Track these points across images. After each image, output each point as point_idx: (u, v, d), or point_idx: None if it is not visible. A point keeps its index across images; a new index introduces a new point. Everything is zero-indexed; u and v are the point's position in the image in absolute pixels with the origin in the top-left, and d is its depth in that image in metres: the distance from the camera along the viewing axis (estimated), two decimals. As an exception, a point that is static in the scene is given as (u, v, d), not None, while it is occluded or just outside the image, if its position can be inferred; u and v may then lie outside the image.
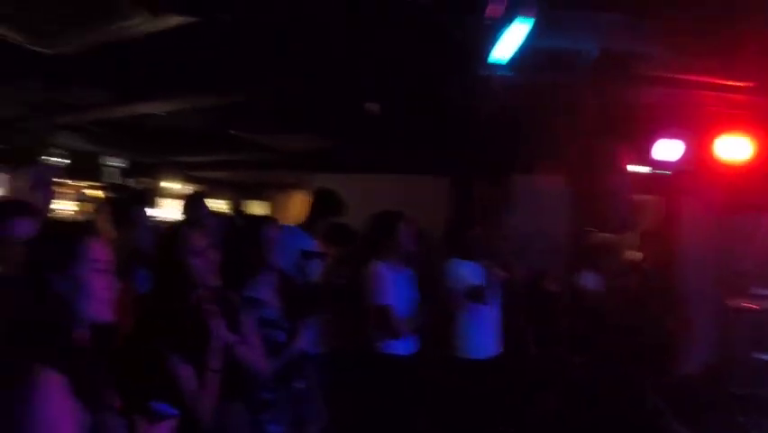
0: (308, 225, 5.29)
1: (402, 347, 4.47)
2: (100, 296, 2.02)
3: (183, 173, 13.81)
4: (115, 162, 12.41)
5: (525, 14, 3.58)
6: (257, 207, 15.26)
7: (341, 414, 3.96)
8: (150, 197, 12.79)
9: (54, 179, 4.37)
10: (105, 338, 2.16)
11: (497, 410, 5.24)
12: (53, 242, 2.06)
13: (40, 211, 4.11)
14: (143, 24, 4.37)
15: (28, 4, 4.38)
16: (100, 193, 12.41)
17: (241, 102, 7.11)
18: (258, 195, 15.40)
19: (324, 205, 5.35)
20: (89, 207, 11.81)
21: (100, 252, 2.06)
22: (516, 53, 4.07)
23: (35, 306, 1.97)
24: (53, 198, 4.46)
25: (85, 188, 12.44)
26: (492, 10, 3.69)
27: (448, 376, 5.08)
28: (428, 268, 5.52)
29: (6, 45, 4.98)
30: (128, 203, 3.85)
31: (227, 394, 2.80)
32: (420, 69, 5.22)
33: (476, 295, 4.83)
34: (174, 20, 4.30)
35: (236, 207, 15.34)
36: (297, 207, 13.85)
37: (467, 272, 4.99)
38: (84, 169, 11.62)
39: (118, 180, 12.54)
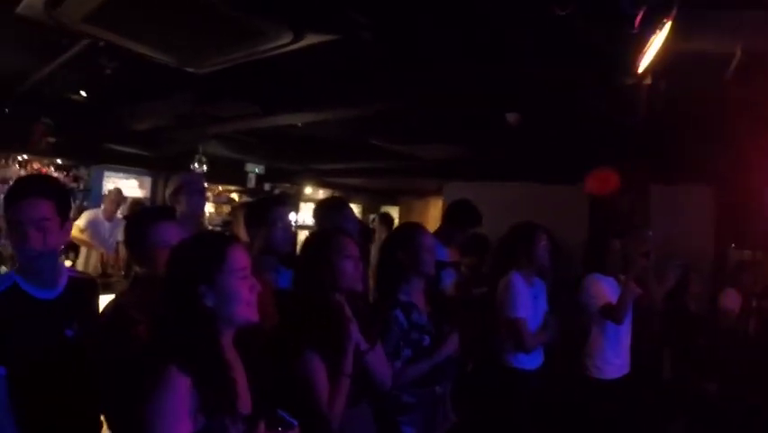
0: (444, 235, 5.25)
1: (530, 361, 4.38)
2: (247, 300, 2.09)
3: (319, 179, 14.13)
4: (254, 169, 12.81)
5: (665, 17, 3.44)
6: (391, 213, 15.42)
7: (462, 422, 3.91)
8: (289, 200, 13.16)
9: (204, 186, 4.54)
10: (251, 338, 2.23)
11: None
12: (200, 255, 2.11)
13: (194, 216, 4.35)
14: (288, 46, 4.47)
15: (174, 33, 4.57)
16: (238, 197, 12.94)
17: (380, 114, 7.13)
18: (392, 201, 15.55)
19: (462, 215, 5.31)
20: (228, 209, 12.40)
21: (243, 259, 2.13)
22: (658, 59, 3.92)
23: (182, 317, 2.04)
24: (205, 204, 4.64)
25: (225, 192, 12.96)
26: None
27: (575, 394, 4.94)
28: (563, 281, 5.43)
29: (159, 64, 5.23)
30: (268, 203, 3.93)
31: (353, 400, 2.78)
32: (562, 79, 5.11)
33: (612, 313, 4.68)
34: (317, 38, 4.38)
35: (371, 213, 15.58)
36: (431, 214, 13.94)
37: (604, 288, 4.83)
38: (224, 174, 12.08)
39: (256, 185, 12.98)
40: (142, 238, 2.80)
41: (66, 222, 2.49)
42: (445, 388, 3.56)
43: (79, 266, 7.63)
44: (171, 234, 2.74)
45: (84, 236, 8.08)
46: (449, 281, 5.00)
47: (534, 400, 4.43)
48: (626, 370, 4.89)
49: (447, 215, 5.41)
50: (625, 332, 4.85)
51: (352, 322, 2.76)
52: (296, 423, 2.10)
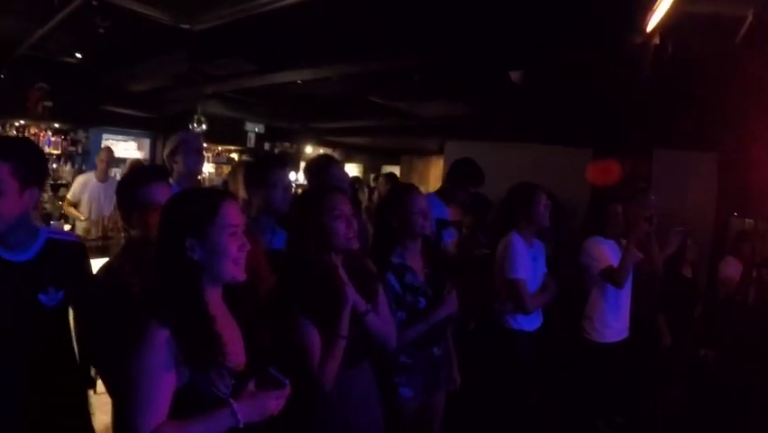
0: (446, 194, 5.22)
1: (529, 323, 4.34)
2: (234, 257, 2.06)
3: (320, 138, 14.08)
4: (254, 128, 12.75)
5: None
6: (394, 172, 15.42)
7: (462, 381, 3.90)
8: (290, 161, 13.11)
9: (201, 145, 4.48)
10: (245, 297, 2.21)
11: (615, 399, 5.03)
12: (191, 207, 2.08)
13: (191, 175, 4.28)
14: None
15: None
16: (238, 157, 12.91)
17: (380, 70, 7.04)
18: (394, 160, 15.51)
19: (464, 174, 5.23)
20: (228, 169, 12.38)
21: (235, 216, 2.10)
22: (667, 19, 3.82)
23: (171, 270, 2.03)
24: (203, 163, 4.58)
25: (224, 152, 12.93)
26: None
27: (573, 357, 4.92)
28: (563, 243, 5.35)
29: (153, 22, 5.14)
30: (269, 163, 3.85)
31: (352, 361, 2.75)
32: (567, 36, 5.00)
33: (612, 276, 4.64)
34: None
35: (372, 173, 15.54)
36: (433, 173, 13.90)
37: (605, 251, 4.78)
38: (224, 134, 12.03)
39: (256, 145, 12.93)
40: (134, 199, 2.74)
41: (28, 188, 2.38)
42: (445, 349, 3.55)
43: (79, 229, 7.54)
44: (163, 194, 2.67)
45: (71, 209, 7.92)
46: (450, 240, 4.98)
47: (533, 362, 4.40)
48: (624, 334, 4.85)
49: (449, 173, 5.34)
50: (625, 296, 4.81)
51: (346, 284, 2.70)
52: (287, 382, 2.06)
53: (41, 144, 9.54)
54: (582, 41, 4.99)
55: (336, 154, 14.53)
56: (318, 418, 2.69)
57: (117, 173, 8.94)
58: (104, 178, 7.98)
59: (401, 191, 3.70)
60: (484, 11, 4.78)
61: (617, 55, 5.02)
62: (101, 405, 2.92)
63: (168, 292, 1.99)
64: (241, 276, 2.09)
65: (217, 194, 2.21)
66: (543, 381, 4.75)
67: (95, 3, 4.87)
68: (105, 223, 7.54)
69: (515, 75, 6.43)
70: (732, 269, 5.97)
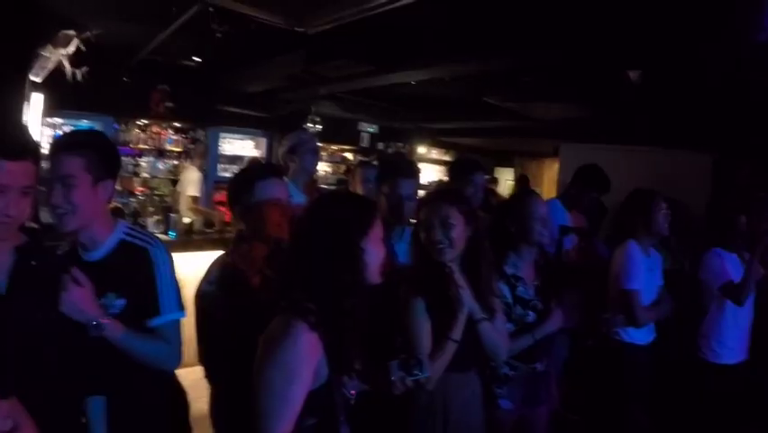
0: (570, 200, 5.09)
1: (641, 336, 4.13)
2: (378, 264, 2.07)
3: (432, 139, 14.05)
4: (368, 128, 12.83)
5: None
6: (505, 175, 15.23)
7: (569, 394, 3.75)
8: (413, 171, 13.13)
9: (317, 145, 4.51)
10: (373, 300, 2.16)
11: (732, 422, 4.71)
12: (358, 212, 2.07)
13: (307, 174, 4.30)
14: (399, 1, 4.36)
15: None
16: (352, 156, 13.03)
17: (495, 71, 6.90)
18: (507, 162, 15.31)
19: (591, 180, 5.08)
20: (342, 168, 12.52)
21: (380, 222, 2.10)
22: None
23: (342, 268, 1.99)
24: (318, 163, 4.62)
25: (338, 152, 13.08)
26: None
27: (687, 376, 4.65)
28: (681, 254, 5.09)
29: (267, 26, 5.23)
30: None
31: (461, 366, 2.72)
32: (689, 33, 4.75)
33: (733, 292, 4.35)
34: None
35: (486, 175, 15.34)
36: (547, 176, 13.64)
37: (726, 265, 4.49)
38: (338, 134, 12.19)
39: (369, 145, 13.02)
40: (249, 194, 2.72)
41: (102, 181, 2.32)
42: (547, 365, 3.42)
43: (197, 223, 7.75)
44: (278, 190, 2.70)
45: (198, 207, 8.14)
46: (570, 247, 4.82)
47: (644, 378, 4.19)
48: (743, 356, 4.54)
49: (575, 178, 5.16)
50: (745, 315, 4.48)
51: (463, 288, 2.66)
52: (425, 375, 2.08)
53: (162, 142, 10.05)
54: (705, 38, 4.73)
55: (449, 156, 14.48)
56: (418, 416, 2.68)
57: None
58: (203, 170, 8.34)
59: (522, 195, 3.67)
60: (602, 7, 4.60)
61: (742, 54, 4.74)
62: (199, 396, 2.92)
63: (318, 296, 1.95)
64: (380, 280, 2.09)
65: (370, 202, 2.23)
66: (652, 398, 4.51)
67: (211, 9, 5.00)
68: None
69: (633, 74, 6.19)
70: None
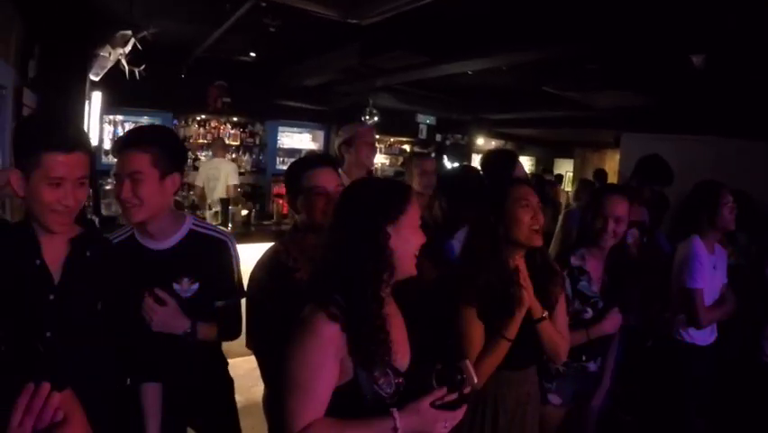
0: (631, 192, 4.91)
1: (702, 337, 3.96)
2: (413, 252, 2.00)
3: (491, 130, 13.94)
4: (425, 119, 12.79)
5: None
6: (565, 166, 15.04)
7: (623, 393, 3.66)
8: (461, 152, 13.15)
9: (374, 138, 4.49)
10: (405, 295, 2.13)
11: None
12: (388, 195, 2.01)
13: (363, 167, 4.27)
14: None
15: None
16: (410, 148, 13.02)
17: (551, 58, 6.78)
18: (567, 153, 15.11)
19: (653, 172, 4.92)
20: (400, 160, 12.52)
21: (417, 208, 2.03)
22: None
23: (363, 258, 1.93)
24: (375, 156, 4.61)
25: (396, 143, 13.07)
26: None
27: (750, 381, 4.46)
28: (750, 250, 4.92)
29: (321, 19, 5.23)
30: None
31: (517, 364, 2.66)
32: (754, 17, 4.58)
33: None
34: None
35: (544, 166, 15.21)
36: (608, 167, 13.42)
37: None
38: (395, 125, 12.16)
39: (427, 136, 12.98)
40: (300, 183, 2.74)
41: (169, 175, 2.44)
42: (601, 365, 3.37)
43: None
44: (330, 180, 2.69)
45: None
46: (631, 241, 4.70)
47: (703, 379, 4.05)
48: None
49: (636, 170, 5.02)
50: None
51: (525, 287, 2.57)
52: (475, 380, 1.94)
53: (222, 136, 10.17)
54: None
55: (508, 146, 14.33)
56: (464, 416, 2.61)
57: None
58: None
59: (601, 192, 3.60)
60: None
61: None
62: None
63: (344, 284, 1.91)
64: (414, 272, 2.02)
65: (407, 186, 2.15)
66: (713, 401, 4.33)
67: (263, 4, 5.04)
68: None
69: (697, 59, 5.99)
70: None
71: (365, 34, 5.82)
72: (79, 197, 2.04)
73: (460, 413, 1.93)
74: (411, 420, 1.87)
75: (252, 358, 2.74)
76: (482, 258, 2.64)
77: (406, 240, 1.96)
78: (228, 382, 2.89)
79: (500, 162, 4.31)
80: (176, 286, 2.51)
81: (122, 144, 2.42)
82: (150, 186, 2.39)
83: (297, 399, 1.85)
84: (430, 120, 12.90)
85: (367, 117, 10.40)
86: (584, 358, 3.25)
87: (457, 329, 2.56)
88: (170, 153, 2.46)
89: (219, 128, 10.30)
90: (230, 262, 2.68)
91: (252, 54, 8.21)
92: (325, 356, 1.84)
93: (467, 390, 1.91)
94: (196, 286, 2.54)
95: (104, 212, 6.49)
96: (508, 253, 2.63)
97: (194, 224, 2.64)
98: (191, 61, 8.29)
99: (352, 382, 1.88)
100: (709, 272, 3.90)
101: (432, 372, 1.94)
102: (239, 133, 10.56)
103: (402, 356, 2.02)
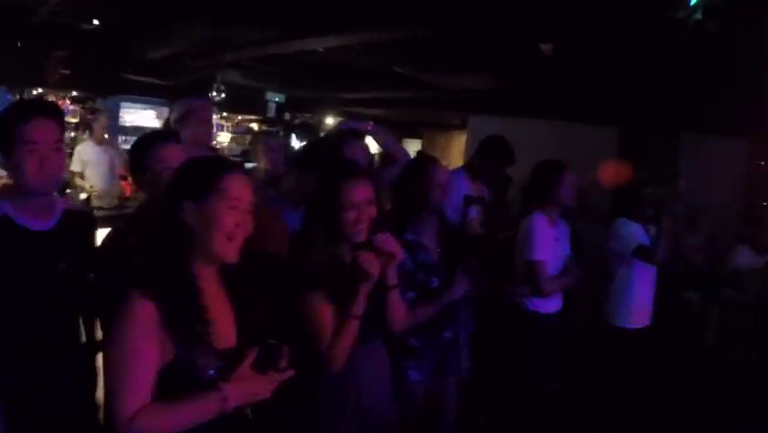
0: (475, 170, 5.09)
1: (547, 305, 4.20)
2: (229, 232, 1.92)
3: (340, 109, 13.94)
4: (274, 97, 12.64)
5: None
6: (412, 146, 15.26)
7: (477, 365, 3.78)
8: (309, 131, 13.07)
9: (211, 114, 4.32)
10: (236, 278, 2.06)
11: (640, 385, 4.77)
12: (193, 172, 1.99)
13: (198, 146, 4.12)
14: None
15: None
16: (258, 127, 12.84)
17: (405, 39, 6.81)
18: (415, 134, 15.35)
19: (496, 152, 5.10)
20: (248, 139, 12.32)
21: (240, 189, 1.96)
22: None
23: (159, 231, 1.94)
24: (212, 133, 4.42)
25: (244, 122, 12.85)
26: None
27: (594, 342, 4.80)
28: (585, 224, 5.19)
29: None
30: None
31: (366, 337, 2.61)
32: (603, 8, 4.80)
33: (646, 254, 4.49)
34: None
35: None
36: (455, 148, 13.75)
37: (635, 231, 4.66)
38: (243, 103, 11.94)
39: (276, 115, 12.84)
40: (143, 160, 2.68)
41: None
42: (455, 333, 3.42)
43: (95, 200, 7.49)
44: (174, 155, 2.58)
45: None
46: (475, 217, 4.83)
47: (550, 346, 4.24)
48: (647, 321, 4.73)
49: (480, 149, 5.19)
50: (649, 282, 4.70)
51: (371, 261, 2.51)
52: (285, 353, 1.91)
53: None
54: (619, 13, 4.79)
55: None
56: (325, 398, 2.57)
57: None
58: (100, 142, 7.98)
59: (422, 161, 3.60)
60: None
61: (655, 31, 4.82)
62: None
63: (155, 260, 1.89)
64: (232, 256, 1.95)
65: (226, 164, 2.09)
66: (561, 365, 4.58)
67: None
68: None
69: (545, 47, 6.24)
70: (744, 257, 5.90)
71: (216, 5, 5.63)
72: None
73: (285, 364, 1.92)
74: (237, 388, 1.85)
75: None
76: (316, 243, 2.59)
77: (215, 218, 1.90)
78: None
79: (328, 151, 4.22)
80: (60, 266, 2.44)
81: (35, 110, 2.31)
82: (63, 156, 2.30)
83: (119, 385, 1.79)
84: (279, 98, 12.72)
85: (214, 94, 10.13)
86: (439, 329, 3.29)
87: (304, 314, 2.50)
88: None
89: (57, 103, 9.59)
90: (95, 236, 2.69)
91: (96, 22, 7.69)
92: (142, 335, 1.79)
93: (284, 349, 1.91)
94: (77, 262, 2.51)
95: None
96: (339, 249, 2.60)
97: (63, 202, 2.56)
98: (29, 28, 7.67)
99: (173, 364, 1.83)
100: (551, 245, 4.15)
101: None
102: (79, 109, 9.85)
103: (226, 338, 1.97)
